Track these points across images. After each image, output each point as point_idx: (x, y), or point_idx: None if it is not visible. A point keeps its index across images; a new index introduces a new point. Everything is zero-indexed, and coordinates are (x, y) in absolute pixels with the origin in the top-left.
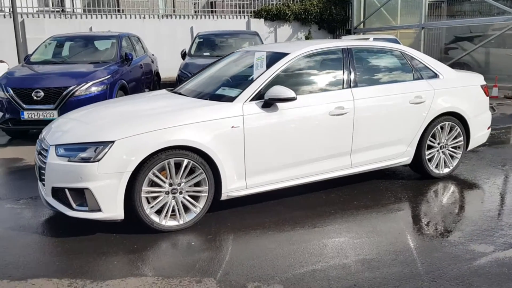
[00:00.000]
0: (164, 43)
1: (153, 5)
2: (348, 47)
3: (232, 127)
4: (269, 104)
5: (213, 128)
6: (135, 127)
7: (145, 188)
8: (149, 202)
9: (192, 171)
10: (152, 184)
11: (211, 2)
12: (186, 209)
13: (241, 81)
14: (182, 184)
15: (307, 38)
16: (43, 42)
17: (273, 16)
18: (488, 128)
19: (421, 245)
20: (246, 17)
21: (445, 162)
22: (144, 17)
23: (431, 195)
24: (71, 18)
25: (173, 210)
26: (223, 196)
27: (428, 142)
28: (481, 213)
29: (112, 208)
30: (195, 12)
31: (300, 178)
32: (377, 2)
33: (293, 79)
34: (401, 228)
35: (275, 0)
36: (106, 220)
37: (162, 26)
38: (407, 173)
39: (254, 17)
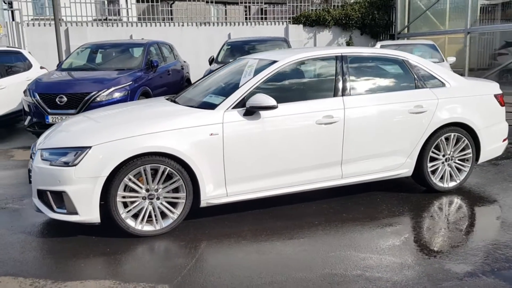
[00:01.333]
0: (202, 50)
1: (205, 13)
2: (343, 54)
3: (211, 134)
4: (251, 112)
5: (191, 135)
6: (112, 133)
7: (120, 192)
8: (126, 207)
9: (170, 177)
10: (129, 189)
11: (262, 9)
12: (164, 214)
13: (229, 88)
14: (160, 190)
15: (348, 43)
16: (76, 50)
17: (313, 22)
18: (504, 140)
19: (394, 262)
20: (285, 23)
21: (451, 175)
22: (183, 25)
23: (428, 210)
24: (112, 26)
25: (150, 215)
26: (203, 203)
27: (431, 154)
28: (473, 232)
29: (88, 211)
30: (246, 18)
31: (285, 188)
32: (423, 6)
33: (280, 87)
34: (380, 244)
35: (314, 6)
36: (83, 223)
37: (200, 33)
38: (412, 185)
39: (293, 23)
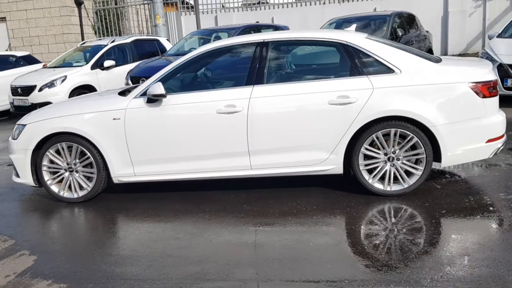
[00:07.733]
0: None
1: None
2: (265, 40)
3: (113, 119)
4: (152, 100)
5: (97, 119)
6: (42, 115)
7: (45, 163)
8: (53, 174)
9: (84, 154)
10: (53, 162)
11: None
12: (82, 186)
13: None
14: (77, 165)
15: None
16: (184, 37)
17: None
18: (491, 140)
19: (229, 254)
20: None
21: (396, 178)
22: (324, 3)
23: (332, 216)
24: (256, 10)
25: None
26: (115, 180)
27: (366, 152)
28: (374, 252)
29: (25, 175)
30: None
31: (192, 173)
32: None
33: (189, 77)
34: (222, 238)
35: None
36: (25, 184)
37: (342, 10)
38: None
39: None
